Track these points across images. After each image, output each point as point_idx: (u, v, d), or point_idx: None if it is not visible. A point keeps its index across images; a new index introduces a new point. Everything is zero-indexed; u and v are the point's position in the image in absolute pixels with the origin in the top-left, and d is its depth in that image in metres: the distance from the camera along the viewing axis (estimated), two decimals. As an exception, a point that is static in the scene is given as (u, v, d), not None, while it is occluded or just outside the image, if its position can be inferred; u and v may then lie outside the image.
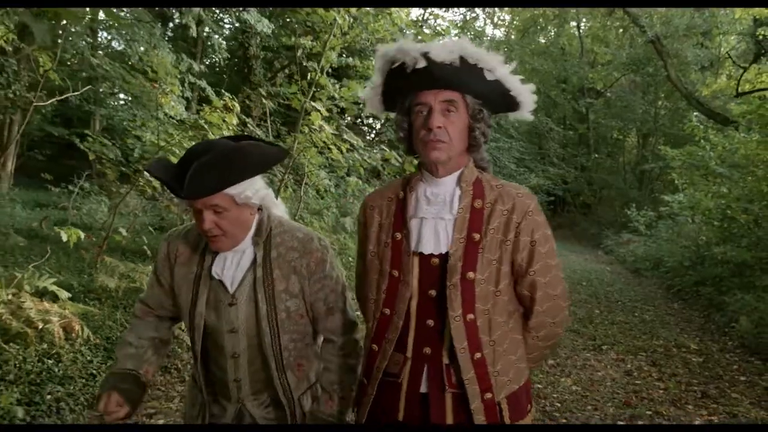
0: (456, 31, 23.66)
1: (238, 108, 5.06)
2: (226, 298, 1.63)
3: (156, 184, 6.42)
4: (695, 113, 12.60)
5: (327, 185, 8.46)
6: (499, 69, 1.47)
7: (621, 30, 17.88)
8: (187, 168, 1.46)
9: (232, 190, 1.53)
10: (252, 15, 9.53)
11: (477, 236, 1.50)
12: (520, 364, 1.56)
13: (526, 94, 1.54)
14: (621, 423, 3.82)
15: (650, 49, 14.40)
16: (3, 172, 10.65)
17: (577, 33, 21.45)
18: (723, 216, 8.69)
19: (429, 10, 22.19)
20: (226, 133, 5.20)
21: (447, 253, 1.51)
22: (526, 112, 1.58)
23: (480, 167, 1.62)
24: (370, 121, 17.07)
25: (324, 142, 5.80)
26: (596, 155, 20.86)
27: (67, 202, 8.41)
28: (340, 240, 8.18)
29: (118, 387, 1.61)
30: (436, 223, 1.54)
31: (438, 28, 22.19)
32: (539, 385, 4.39)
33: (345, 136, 6.04)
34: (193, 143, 4.89)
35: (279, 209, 1.77)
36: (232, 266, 1.65)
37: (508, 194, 1.53)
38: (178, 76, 8.01)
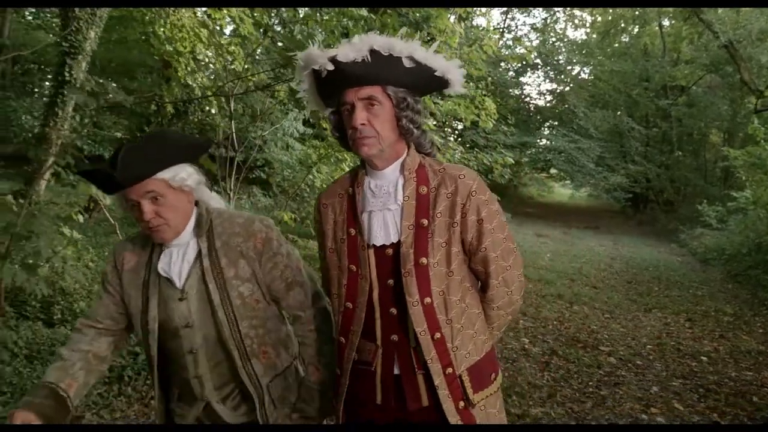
0: (537, 35, 25.33)
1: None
2: (176, 293, 1.68)
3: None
4: (760, 114, 13.84)
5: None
6: (418, 53, 1.52)
7: (697, 35, 19.00)
8: (115, 160, 1.51)
9: (164, 174, 1.59)
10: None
11: (425, 222, 1.58)
12: (479, 336, 1.67)
13: (453, 70, 1.59)
14: (650, 347, 5.72)
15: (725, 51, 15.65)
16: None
17: (659, 32, 22.51)
18: (781, 209, 10.19)
19: (510, 16, 24.01)
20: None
21: (399, 242, 1.59)
22: (457, 87, 1.63)
23: (424, 153, 1.70)
24: (455, 124, 19.05)
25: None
26: (679, 153, 21.82)
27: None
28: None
29: (30, 402, 1.57)
30: (383, 214, 1.62)
31: (519, 33, 23.96)
32: (594, 327, 6.35)
33: (451, 144, 8.14)
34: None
35: (216, 202, 1.83)
36: (178, 260, 1.70)
37: (451, 177, 1.60)
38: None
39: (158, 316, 1.68)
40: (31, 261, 3.92)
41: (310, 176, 7.32)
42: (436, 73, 1.57)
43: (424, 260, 1.56)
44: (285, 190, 9.18)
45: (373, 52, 1.48)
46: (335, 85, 1.55)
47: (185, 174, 1.64)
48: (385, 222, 1.61)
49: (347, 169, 7.62)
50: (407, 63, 1.51)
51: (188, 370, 1.71)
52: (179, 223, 1.66)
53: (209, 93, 6.25)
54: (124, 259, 1.76)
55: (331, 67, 1.49)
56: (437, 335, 1.57)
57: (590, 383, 4.60)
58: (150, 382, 1.80)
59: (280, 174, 9.75)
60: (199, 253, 1.69)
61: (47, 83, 17.78)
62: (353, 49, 1.47)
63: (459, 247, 1.61)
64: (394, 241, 1.60)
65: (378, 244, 1.61)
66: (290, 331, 1.89)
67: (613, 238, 16.28)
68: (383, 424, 1.69)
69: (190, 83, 6.39)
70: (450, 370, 1.59)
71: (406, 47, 1.51)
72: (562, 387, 4.48)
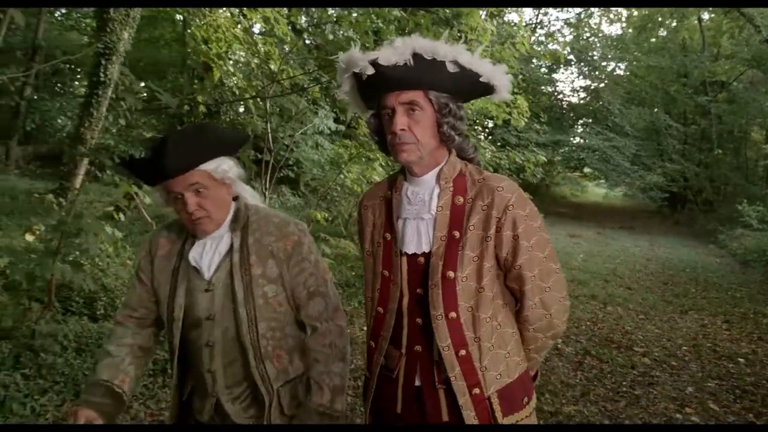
0: (570, 30, 25.22)
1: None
2: (202, 284, 1.72)
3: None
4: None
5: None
6: (462, 57, 1.50)
7: (737, 29, 18.77)
8: (162, 151, 1.57)
9: (207, 166, 1.65)
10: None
11: (457, 234, 1.56)
12: (512, 357, 1.62)
13: (499, 76, 1.57)
14: (685, 348, 5.77)
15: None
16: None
17: (698, 26, 22.25)
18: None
19: (542, 11, 23.97)
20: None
21: (430, 252, 1.58)
22: (504, 94, 1.61)
23: (465, 158, 1.68)
24: (486, 122, 19.11)
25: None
26: (719, 151, 21.53)
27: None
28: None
29: (89, 401, 1.65)
30: (417, 223, 1.61)
31: (552, 28, 23.86)
32: (628, 327, 6.42)
33: (482, 143, 8.29)
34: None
35: (252, 197, 1.87)
36: (210, 252, 1.74)
37: (489, 188, 1.56)
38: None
39: (185, 306, 1.73)
40: (72, 258, 4.16)
41: (341, 175, 7.51)
42: (481, 79, 1.55)
43: (451, 273, 1.54)
44: (314, 189, 9.41)
45: (415, 56, 1.46)
46: (376, 88, 1.54)
47: (227, 166, 1.70)
48: (418, 231, 1.60)
49: (379, 169, 7.71)
50: (451, 67, 1.49)
51: (203, 364, 1.74)
52: (220, 217, 1.71)
53: (246, 94, 6.49)
54: (158, 245, 1.81)
55: (371, 70, 1.48)
56: (462, 352, 1.55)
57: (624, 383, 4.69)
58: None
59: (309, 173, 9.97)
60: (231, 248, 1.72)
61: (77, 83, 18.34)
62: (395, 53, 1.46)
63: (492, 263, 1.57)
64: (426, 251, 1.59)
65: (410, 252, 1.61)
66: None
67: (649, 238, 16.19)
68: None
69: (226, 83, 6.63)
70: (477, 390, 1.55)
71: (451, 51, 1.49)
72: (595, 386, 4.59)
